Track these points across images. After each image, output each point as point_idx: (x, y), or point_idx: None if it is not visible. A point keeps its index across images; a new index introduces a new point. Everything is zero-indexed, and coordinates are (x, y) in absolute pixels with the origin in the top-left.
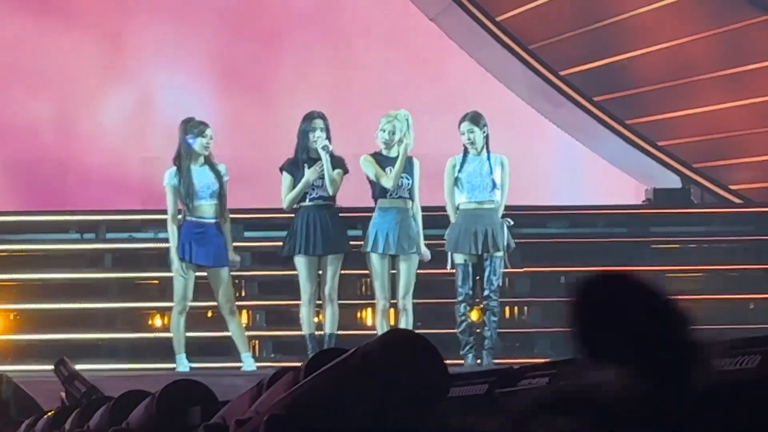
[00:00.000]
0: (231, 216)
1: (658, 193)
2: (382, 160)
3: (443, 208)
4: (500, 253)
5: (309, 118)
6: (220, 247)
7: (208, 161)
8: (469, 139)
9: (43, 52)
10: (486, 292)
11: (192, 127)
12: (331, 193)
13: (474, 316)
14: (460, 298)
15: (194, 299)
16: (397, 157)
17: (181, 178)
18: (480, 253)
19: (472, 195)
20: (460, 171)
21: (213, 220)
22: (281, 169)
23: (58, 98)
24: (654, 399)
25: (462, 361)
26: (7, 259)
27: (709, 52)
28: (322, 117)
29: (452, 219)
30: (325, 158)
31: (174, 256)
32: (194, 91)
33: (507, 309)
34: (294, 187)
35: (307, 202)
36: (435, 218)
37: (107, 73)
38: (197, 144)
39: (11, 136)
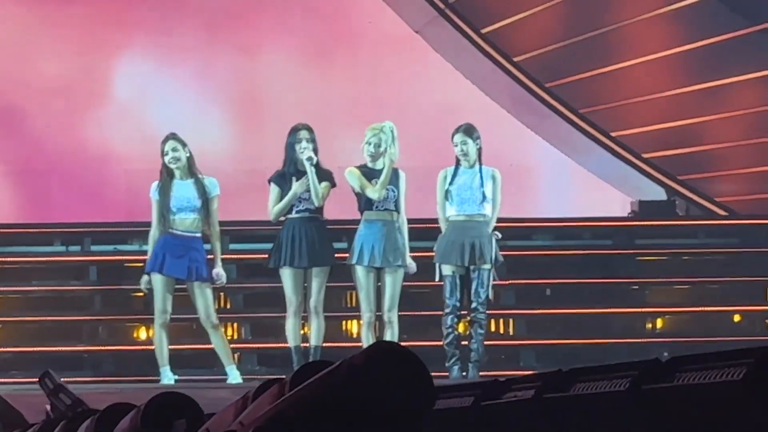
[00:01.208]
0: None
1: (644, 205)
2: (367, 173)
3: (430, 221)
4: (488, 266)
5: (295, 130)
6: (198, 262)
7: (194, 175)
8: (462, 150)
9: (28, 62)
10: (473, 305)
11: (162, 142)
12: (317, 205)
13: (461, 328)
14: (447, 310)
15: (179, 312)
16: (383, 169)
17: (162, 192)
18: (467, 265)
19: (462, 208)
20: (450, 183)
21: (193, 234)
22: (269, 181)
23: (42, 109)
24: None
25: (447, 374)
26: None
27: (694, 64)
28: (308, 129)
29: (443, 230)
30: (310, 170)
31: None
32: (177, 103)
33: (492, 321)
34: (281, 199)
35: (293, 215)
36: (422, 231)
37: (91, 84)
38: (165, 160)
39: None
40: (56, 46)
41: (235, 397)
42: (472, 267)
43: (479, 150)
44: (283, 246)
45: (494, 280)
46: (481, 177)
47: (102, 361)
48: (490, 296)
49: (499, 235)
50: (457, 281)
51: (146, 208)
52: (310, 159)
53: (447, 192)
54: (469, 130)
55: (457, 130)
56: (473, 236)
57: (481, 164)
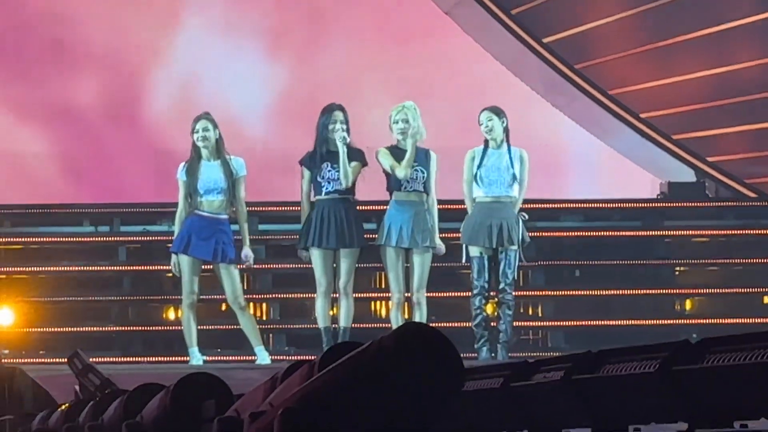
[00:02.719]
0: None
1: (673, 187)
2: (398, 153)
3: (459, 202)
4: (515, 247)
5: (328, 110)
6: (224, 243)
7: (221, 156)
8: (487, 126)
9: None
10: (501, 286)
11: (194, 121)
12: (345, 185)
13: (489, 309)
14: (475, 291)
15: (208, 292)
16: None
17: (189, 173)
18: (495, 246)
19: (490, 190)
20: (479, 166)
21: (220, 216)
22: (300, 163)
23: (73, 88)
24: None
25: (476, 355)
26: (20, 252)
27: (725, 46)
28: (342, 109)
29: (470, 212)
30: (342, 150)
31: None
32: (209, 83)
33: (521, 303)
34: (312, 179)
35: (323, 196)
36: (450, 211)
37: (121, 64)
38: (194, 139)
39: (27, 129)
40: (89, 22)
41: (264, 377)
42: (500, 248)
43: (506, 130)
44: (313, 227)
45: (521, 261)
46: (510, 158)
47: (131, 342)
48: (516, 277)
49: (526, 216)
50: (485, 262)
51: (175, 189)
52: (343, 139)
53: (476, 174)
54: (495, 109)
55: (483, 110)
56: (501, 217)
57: (509, 145)
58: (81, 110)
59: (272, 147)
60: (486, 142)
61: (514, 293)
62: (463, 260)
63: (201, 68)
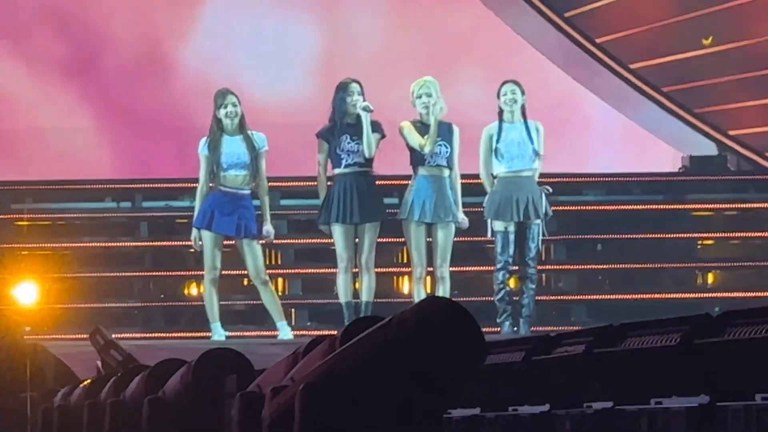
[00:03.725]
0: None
1: (695, 161)
2: (421, 128)
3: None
4: (539, 221)
5: (345, 84)
6: (247, 219)
7: (244, 131)
8: (512, 98)
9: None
10: (524, 260)
11: (217, 96)
12: (368, 156)
13: (512, 283)
14: (499, 266)
15: (230, 267)
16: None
17: (211, 148)
18: (521, 220)
19: (511, 164)
20: (498, 141)
21: (243, 191)
22: (317, 135)
23: (94, 65)
24: None
25: (498, 329)
26: (42, 228)
27: (746, 20)
28: (358, 83)
29: (487, 188)
30: (365, 119)
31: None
32: (228, 59)
33: (543, 277)
34: (330, 153)
35: (343, 169)
36: (473, 186)
37: (142, 41)
38: (221, 113)
39: (49, 105)
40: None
41: (286, 353)
42: (525, 222)
43: (523, 106)
44: (334, 202)
45: (544, 235)
46: (528, 131)
47: (152, 317)
48: (541, 250)
49: (550, 190)
50: (509, 237)
51: (197, 165)
52: (366, 108)
53: (496, 150)
54: (515, 82)
55: (505, 82)
56: (525, 191)
57: (525, 119)
58: (102, 86)
59: (295, 121)
60: (501, 116)
61: (537, 267)
62: (488, 235)
63: (223, 44)
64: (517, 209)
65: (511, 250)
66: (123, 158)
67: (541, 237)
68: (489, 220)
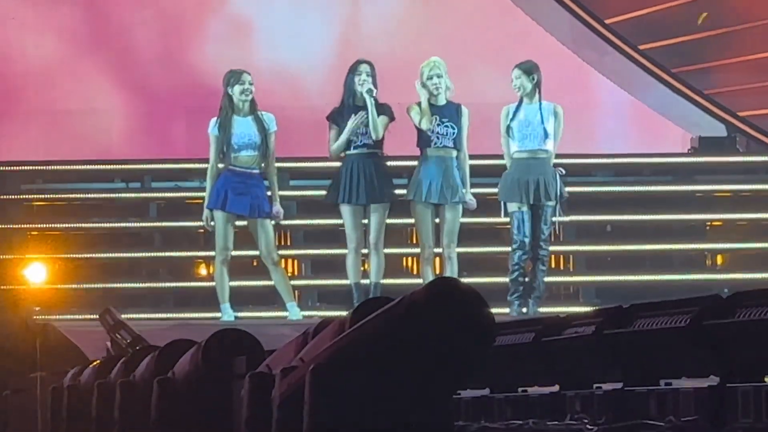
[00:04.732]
0: (277, 165)
1: (704, 142)
2: (430, 109)
3: (491, 156)
4: (552, 203)
5: (355, 65)
6: (259, 198)
7: (254, 111)
8: (515, 84)
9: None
10: (536, 241)
11: (230, 75)
12: (375, 138)
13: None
14: (515, 246)
15: (240, 248)
16: (444, 105)
17: (222, 128)
18: (533, 202)
19: (523, 144)
20: (512, 120)
21: (254, 171)
22: (327, 118)
23: (104, 48)
24: None
25: (507, 310)
26: (52, 209)
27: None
28: (369, 63)
29: (508, 166)
30: (369, 102)
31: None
32: (238, 42)
33: (553, 258)
34: (340, 135)
35: (351, 150)
36: (482, 167)
37: (153, 23)
38: (235, 92)
39: (59, 85)
40: None
41: (295, 333)
42: (537, 204)
43: (537, 84)
44: (342, 183)
45: (560, 215)
46: (542, 113)
47: (162, 298)
48: (552, 231)
49: (564, 171)
50: (524, 217)
51: (207, 145)
52: (370, 91)
53: (509, 128)
54: (523, 66)
55: (515, 66)
56: (538, 173)
57: (541, 100)
58: (117, 68)
59: (305, 105)
60: (521, 97)
61: (548, 248)
62: (502, 215)
63: (235, 27)
64: (526, 192)
65: (527, 230)
66: (135, 139)
67: (554, 218)
68: (502, 202)
